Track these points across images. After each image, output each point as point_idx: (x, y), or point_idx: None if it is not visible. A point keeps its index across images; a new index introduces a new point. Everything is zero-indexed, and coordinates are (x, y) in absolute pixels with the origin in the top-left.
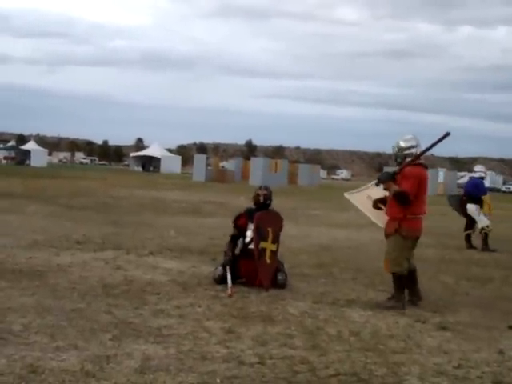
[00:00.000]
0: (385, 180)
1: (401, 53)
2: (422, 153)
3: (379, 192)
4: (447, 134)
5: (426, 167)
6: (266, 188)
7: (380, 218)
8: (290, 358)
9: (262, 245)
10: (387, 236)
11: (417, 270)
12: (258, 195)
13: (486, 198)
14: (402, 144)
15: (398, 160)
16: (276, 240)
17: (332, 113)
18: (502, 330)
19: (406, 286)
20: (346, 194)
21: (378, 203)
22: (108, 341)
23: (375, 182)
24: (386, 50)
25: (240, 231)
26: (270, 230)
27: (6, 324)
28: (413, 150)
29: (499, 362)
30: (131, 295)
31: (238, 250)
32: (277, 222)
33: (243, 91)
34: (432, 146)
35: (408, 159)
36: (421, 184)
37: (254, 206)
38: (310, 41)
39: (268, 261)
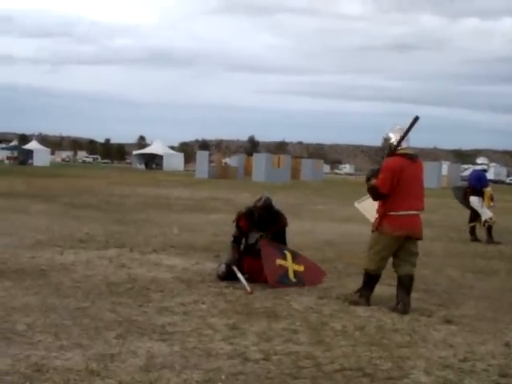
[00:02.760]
0: (370, 176)
1: (406, 46)
2: (398, 143)
3: None
4: (417, 118)
5: (411, 158)
6: (265, 205)
7: None
8: (294, 353)
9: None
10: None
11: (413, 279)
12: (255, 211)
13: (487, 190)
14: (390, 135)
15: (386, 152)
16: (295, 259)
17: (335, 107)
18: (508, 322)
19: (372, 287)
20: (356, 204)
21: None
22: (112, 339)
23: None
24: (390, 44)
25: (241, 231)
26: (278, 261)
27: (10, 323)
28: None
29: (505, 354)
30: (135, 293)
31: (241, 247)
32: (276, 249)
33: (245, 87)
34: (405, 134)
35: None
36: (399, 176)
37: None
38: (315, 36)
39: (293, 279)
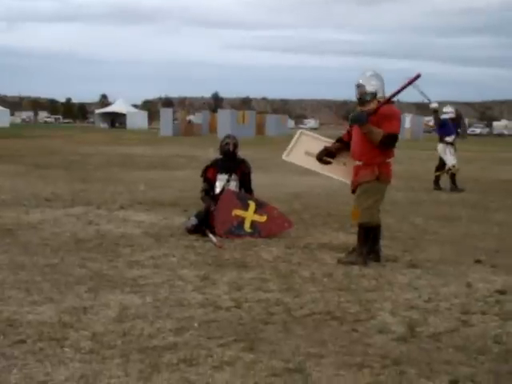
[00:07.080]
0: (362, 121)
1: None
2: (398, 92)
3: (316, 145)
4: (418, 76)
5: None
6: (233, 137)
7: (337, 172)
8: (265, 300)
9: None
10: (360, 184)
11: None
12: (226, 144)
13: (450, 139)
14: (374, 81)
15: (367, 98)
16: (259, 209)
17: (298, 62)
18: (470, 264)
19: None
20: (284, 157)
21: (324, 157)
22: (84, 293)
23: (300, 131)
24: None
25: (210, 184)
26: (234, 211)
27: None
28: (380, 89)
29: (467, 294)
30: (104, 248)
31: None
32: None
33: (208, 43)
34: (404, 87)
35: (379, 98)
36: None
37: (221, 157)
38: None
39: (248, 230)
